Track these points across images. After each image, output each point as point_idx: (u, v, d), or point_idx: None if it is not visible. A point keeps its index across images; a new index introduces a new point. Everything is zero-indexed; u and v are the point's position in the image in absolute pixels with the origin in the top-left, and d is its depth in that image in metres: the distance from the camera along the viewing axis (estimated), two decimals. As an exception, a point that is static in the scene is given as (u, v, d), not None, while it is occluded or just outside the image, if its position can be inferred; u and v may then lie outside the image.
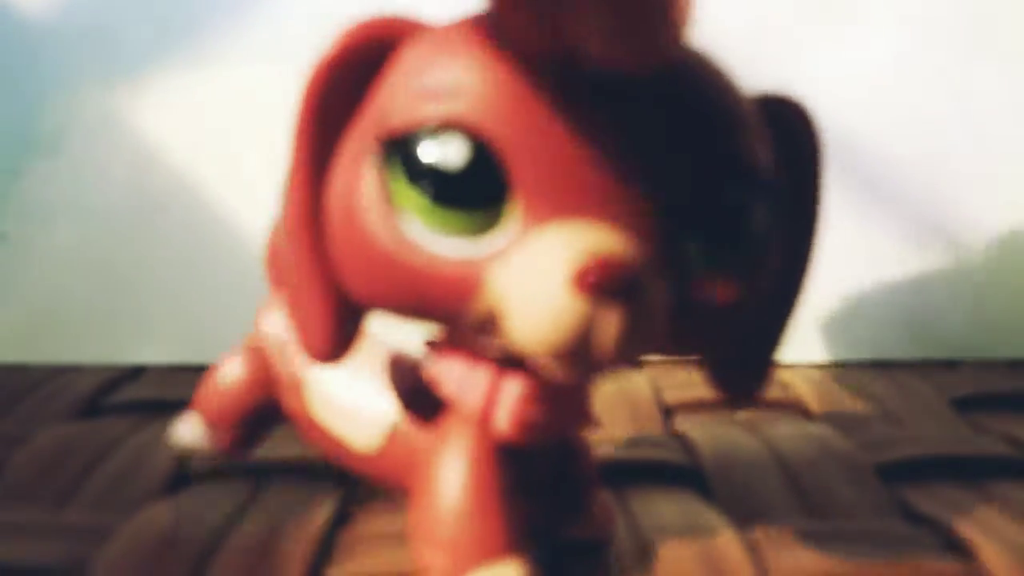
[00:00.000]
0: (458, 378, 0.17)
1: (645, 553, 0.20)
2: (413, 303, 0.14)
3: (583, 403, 0.18)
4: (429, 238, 0.13)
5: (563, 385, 0.17)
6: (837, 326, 0.35)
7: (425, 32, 0.15)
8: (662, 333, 0.14)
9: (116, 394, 0.32)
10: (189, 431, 0.22)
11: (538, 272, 0.13)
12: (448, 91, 0.13)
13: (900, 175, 0.34)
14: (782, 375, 0.33)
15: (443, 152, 0.13)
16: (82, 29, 0.34)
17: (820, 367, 0.34)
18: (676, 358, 0.34)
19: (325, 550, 0.21)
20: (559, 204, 0.13)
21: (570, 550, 0.20)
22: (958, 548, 0.21)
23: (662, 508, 0.22)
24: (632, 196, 0.13)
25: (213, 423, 0.22)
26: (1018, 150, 0.34)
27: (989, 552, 0.20)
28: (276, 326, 0.21)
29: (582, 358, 0.13)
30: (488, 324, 0.14)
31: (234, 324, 0.25)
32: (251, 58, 0.33)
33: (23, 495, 0.24)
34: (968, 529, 0.21)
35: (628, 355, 0.14)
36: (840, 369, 0.34)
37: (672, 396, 0.31)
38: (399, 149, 0.13)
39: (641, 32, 0.12)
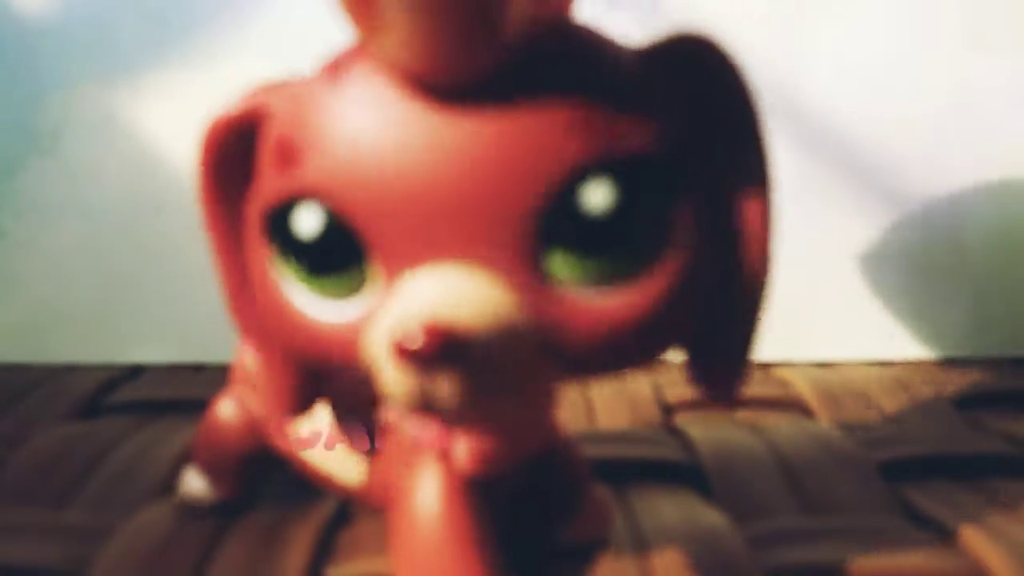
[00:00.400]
0: (415, 419, 0.17)
1: (644, 552, 0.20)
2: (323, 363, 0.14)
3: (543, 424, 0.18)
4: (313, 304, 0.13)
5: (520, 413, 0.17)
6: (837, 324, 0.35)
7: (282, 94, 0.14)
8: (539, 370, 0.13)
9: (115, 394, 0.31)
10: (191, 483, 0.22)
11: (376, 338, 0.13)
12: (290, 158, 0.13)
13: (899, 171, 0.34)
14: (782, 373, 0.33)
15: (300, 224, 0.13)
16: (81, 27, 0.34)
17: (820, 366, 0.34)
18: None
19: (326, 550, 0.21)
20: (409, 253, 0.12)
21: (567, 551, 0.20)
22: (958, 546, 0.21)
23: (662, 506, 0.22)
24: (482, 225, 0.12)
25: (211, 473, 0.22)
26: (1019, 146, 0.34)
27: (989, 550, 0.20)
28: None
29: (439, 414, 0.13)
30: (374, 380, 0.13)
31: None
32: (250, 56, 0.33)
33: (22, 495, 0.24)
34: (968, 527, 0.21)
35: (488, 406, 0.13)
36: (840, 367, 0.34)
37: (672, 394, 0.31)
38: (275, 224, 0.13)
39: (464, 42, 0.11)
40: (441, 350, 0.12)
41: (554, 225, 0.12)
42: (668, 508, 0.22)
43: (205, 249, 0.35)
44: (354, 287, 0.13)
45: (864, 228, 0.34)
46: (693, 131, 0.13)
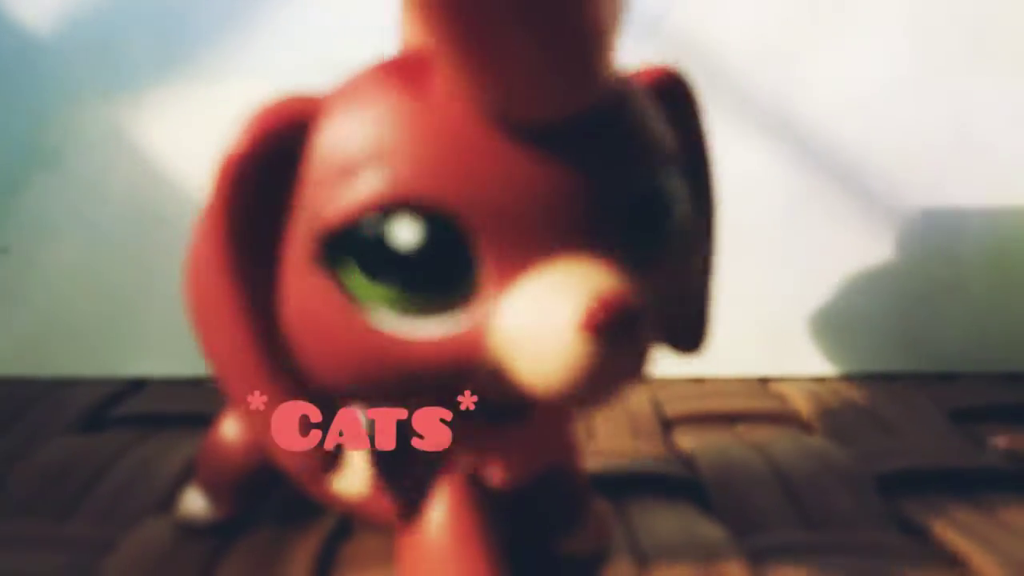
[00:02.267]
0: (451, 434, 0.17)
1: (644, 566, 0.20)
2: (413, 390, 0.14)
3: (569, 439, 0.18)
4: (408, 325, 0.13)
5: (549, 428, 0.17)
6: (835, 339, 0.35)
7: (335, 101, 0.13)
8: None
9: (118, 407, 0.32)
10: (192, 502, 0.22)
11: (544, 324, 0.12)
12: (375, 162, 0.12)
13: (897, 188, 0.34)
14: (780, 388, 0.33)
15: (394, 237, 0.12)
16: (85, 44, 0.34)
17: (818, 380, 0.35)
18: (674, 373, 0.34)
19: (327, 564, 0.21)
20: (527, 250, 0.13)
21: (567, 564, 0.20)
22: (955, 560, 0.21)
23: (661, 521, 0.23)
24: (588, 221, 0.13)
25: (213, 492, 0.22)
26: (1016, 164, 0.34)
27: (986, 564, 0.20)
28: None
29: (598, 393, 0.13)
30: (493, 381, 0.13)
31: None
32: (252, 73, 0.34)
33: (25, 508, 0.24)
34: (965, 541, 0.21)
35: (638, 379, 0.14)
36: (838, 382, 0.34)
37: (671, 409, 0.31)
38: (344, 244, 0.13)
39: (570, 85, 0.12)
40: (627, 319, 0.12)
41: (635, 217, 0.14)
42: (667, 522, 0.22)
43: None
44: (462, 293, 0.13)
45: (862, 245, 0.34)
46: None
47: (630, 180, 0.13)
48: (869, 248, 0.35)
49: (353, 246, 0.13)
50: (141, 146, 0.34)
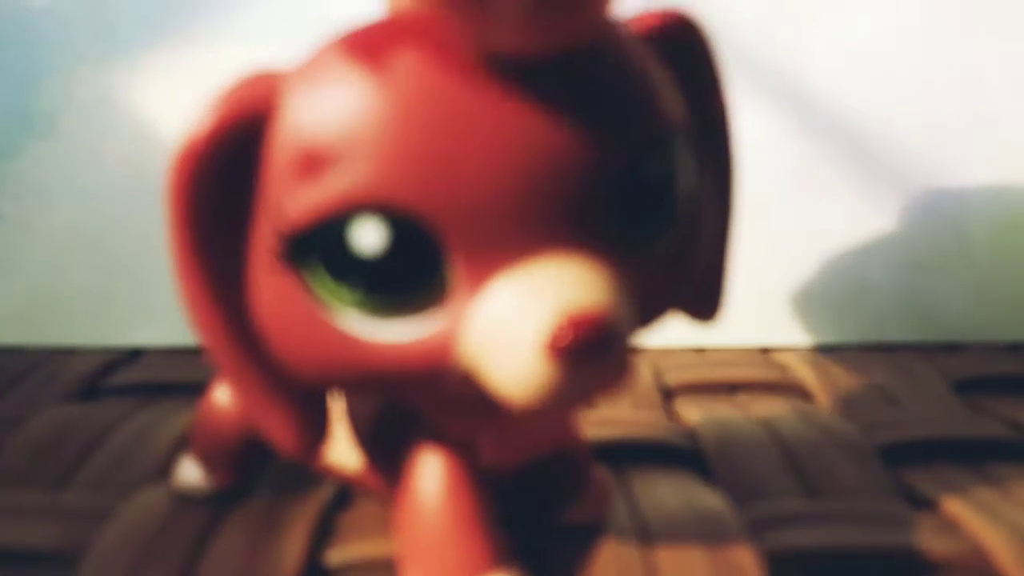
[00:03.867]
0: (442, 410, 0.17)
1: (644, 535, 0.20)
2: (384, 387, 0.13)
3: (566, 425, 0.18)
4: (376, 327, 0.12)
5: (549, 415, 0.17)
6: (837, 309, 0.35)
7: (298, 79, 0.12)
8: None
9: (114, 376, 0.31)
10: (187, 472, 0.22)
11: (508, 337, 0.12)
12: (338, 157, 0.12)
13: (902, 155, 0.34)
14: (782, 357, 0.33)
15: (359, 240, 0.12)
16: (79, 8, 0.34)
17: (821, 350, 0.34)
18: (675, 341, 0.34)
19: (325, 533, 0.21)
20: (501, 248, 0.12)
21: (567, 533, 0.20)
22: (958, 529, 0.21)
23: (662, 489, 0.22)
24: (568, 212, 0.12)
25: (208, 462, 0.22)
26: (1022, 131, 0.34)
27: (989, 534, 0.20)
28: None
29: (568, 406, 0.13)
30: (468, 381, 0.13)
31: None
32: (249, 38, 0.33)
33: (21, 478, 0.24)
34: (969, 511, 0.21)
35: (617, 387, 0.13)
36: (841, 351, 0.34)
37: (672, 378, 0.31)
38: (308, 244, 0.12)
39: (558, 13, 0.11)
40: (598, 340, 0.11)
41: (630, 198, 0.12)
42: (668, 490, 0.22)
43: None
44: (432, 295, 0.12)
45: (866, 214, 0.34)
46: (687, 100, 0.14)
47: (614, 161, 0.12)
48: (873, 218, 0.34)
49: (317, 247, 0.12)
50: (136, 112, 0.34)
